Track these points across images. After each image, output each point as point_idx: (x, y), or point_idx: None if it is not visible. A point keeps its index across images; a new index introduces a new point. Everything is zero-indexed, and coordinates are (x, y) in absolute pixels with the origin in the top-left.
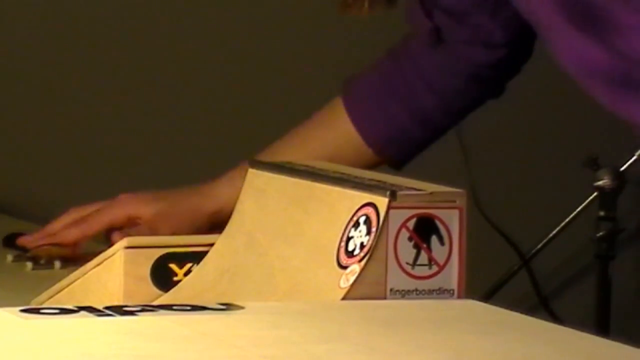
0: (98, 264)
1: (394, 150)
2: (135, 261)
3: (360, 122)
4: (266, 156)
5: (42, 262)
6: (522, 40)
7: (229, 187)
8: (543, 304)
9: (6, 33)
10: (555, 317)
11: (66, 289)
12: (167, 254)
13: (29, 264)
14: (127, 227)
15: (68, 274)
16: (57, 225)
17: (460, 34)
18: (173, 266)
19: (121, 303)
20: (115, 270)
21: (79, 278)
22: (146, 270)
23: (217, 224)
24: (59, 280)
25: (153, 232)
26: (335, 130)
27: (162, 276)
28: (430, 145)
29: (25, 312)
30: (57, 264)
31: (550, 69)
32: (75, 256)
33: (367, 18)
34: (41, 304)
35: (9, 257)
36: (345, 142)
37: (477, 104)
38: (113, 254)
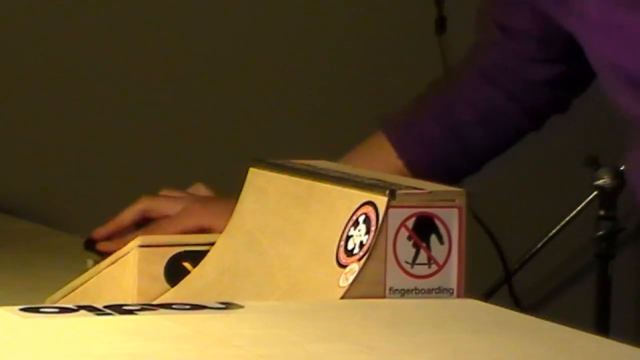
0: (112, 263)
1: (431, 175)
2: (149, 260)
3: (401, 145)
4: None
5: None
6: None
7: None
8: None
9: (6, 33)
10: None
11: (80, 288)
12: (181, 252)
13: (90, 262)
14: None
15: None
16: (127, 216)
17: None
18: (187, 264)
19: (135, 302)
20: (129, 269)
21: (93, 277)
22: (160, 269)
23: None
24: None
25: None
26: (379, 161)
27: (176, 274)
28: (469, 174)
29: (24, 311)
30: None
31: None
32: None
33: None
34: (56, 302)
35: (90, 263)
36: (390, 171)
37: (521, 134)
38: (127, 253)
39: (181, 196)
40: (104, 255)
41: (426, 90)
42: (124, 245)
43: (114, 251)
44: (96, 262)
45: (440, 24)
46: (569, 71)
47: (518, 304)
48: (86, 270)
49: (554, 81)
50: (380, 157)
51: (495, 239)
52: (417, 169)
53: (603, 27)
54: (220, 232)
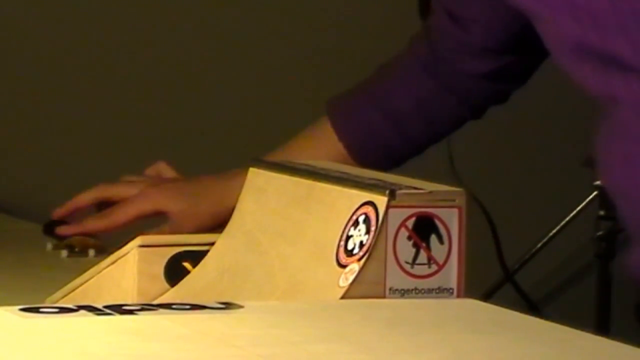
0: (112, 263)
1: (370, 159)
2: (149, 260)
3: (341, 129)
4: None
5: (76, 250)
6: (523, 47)
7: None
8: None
9: (7, 33)
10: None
11: (80, 288)
12: (181, 252)
13: (64, 252)
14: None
15: (99, 262)
16: (84, 198)
17: (459, 41)
18: (187, 264)
19: (135, 302)
20: (129, 269)
21: (93, 277)
22: (160, 269)
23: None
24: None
25: (177, 228)
26: (322, 145)
27: (176, 274)
28: (409, 158)
29: (24, 311)
30: (92, 252)
31: (551, 68)
32: (107, 245)
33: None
34: (56, 302)
35: (49, 246)
36: (333, 155)
37: (460, 124)
38: (127, 253)
39: (139, 180)
40: (63, 239)
41: (372, 74)
42: (82, 230)
43: (72, 235)
44: (55, 246)
45: (425, 7)
46: (512, 63)
47: (526, 299)
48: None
49: (494, 74)
50: (323, 140)
51: (495, 230)
52: (356, 153)
53: (567, 6)
54: (173, 215)
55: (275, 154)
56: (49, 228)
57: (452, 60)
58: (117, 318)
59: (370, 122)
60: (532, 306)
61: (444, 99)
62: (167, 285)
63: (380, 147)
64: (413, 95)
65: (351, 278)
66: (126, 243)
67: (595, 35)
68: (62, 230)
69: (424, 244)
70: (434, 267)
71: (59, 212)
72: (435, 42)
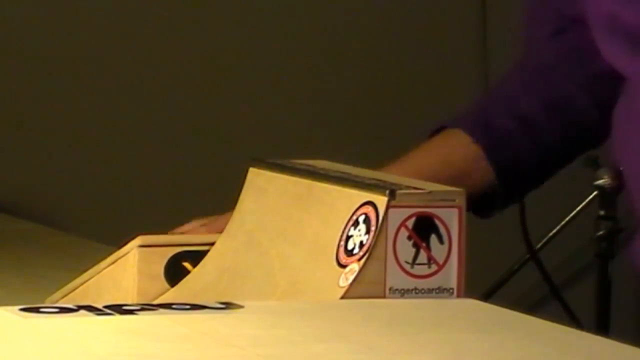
0: (112, 263)
1: (510, 175)
2: (149, 260)
3: (475, 132)
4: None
5: None
6: None
7: None
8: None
9: (7, 33)
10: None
11: (80, 288)
12: (181, 252)
13: None
14: None
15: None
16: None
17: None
18: (187, 264)
19: (135, 302)
20: (129, 269)
21: (93, 277)
22: (160, 269)
23: None
24: None
25: None
26: (456, 148)
27: (176, 274)
28: (546, 178)
29: (24, 311)
30: None
31: None
32: None
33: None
34: (56, 302)
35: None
36: (463, 156)
37: (594, 131)
38: (127, 253)
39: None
40: None
41: (486, 94)
42: None
43: None
44: None
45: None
46: None
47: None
48: None
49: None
50: (456, 144)
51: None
52: (495, 161)
53: None
54: None
55: (398, 162)
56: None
57: (573, 57)
58: (117, 318)
59: (502, 128)
60: (554, 290)
61: (571, 92)
62: (167, 285)
63: (515, 157)
64: (539, 93)
65: (351, 278)
66: (126, 243)
67: (629, 11)
68: None
69: (424, 244)
70: (434, 267)
71: None
72: (550, 47)
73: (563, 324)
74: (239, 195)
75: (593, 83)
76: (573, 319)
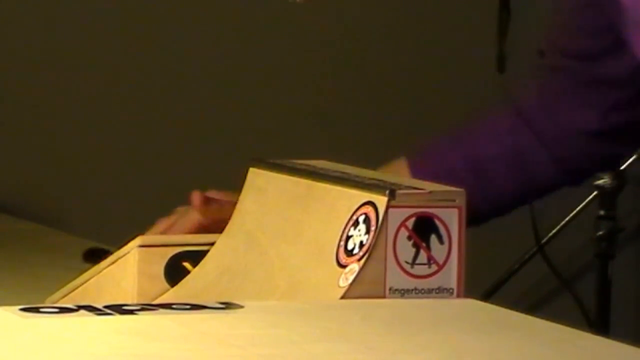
0: (112, 263)
1: None
2: (149, 260)
3: (417, 173)
4: None
5: None
6: None
7: None
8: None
9: (7, 33)
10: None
11: (80, 288)
12: (181, 252)
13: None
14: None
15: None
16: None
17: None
18: (187, 264)
19: (135, 302)
20: (129, 269)
21: (93, 277)
22: (160, 269)
23: None
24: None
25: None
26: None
27: (176, 274)
28: (490, 218)
29: (24, 311)
30: None
31: None
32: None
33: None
34: (56, 302)
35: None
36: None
37: (553, 186)
38: (127, 253)
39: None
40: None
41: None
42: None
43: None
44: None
45: (501, 62)
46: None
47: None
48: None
49: (607, 130)
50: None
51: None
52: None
53: None
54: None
55: None
56: (90, 255)
57: (552, 107)
58: (117, 318)
59: (450, 168)
60: (564, 281)
61: (534, 149)
62: (167, 285)
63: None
64: (500, 141)
65: (351, 278)
66: (126, 243)
67: None
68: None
69: (424, 244)
70: (434, 267)
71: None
72: (535, 88)
73: (567, 320)
74: (239, 195)
75: (556, 138)
76: (582, 312)
